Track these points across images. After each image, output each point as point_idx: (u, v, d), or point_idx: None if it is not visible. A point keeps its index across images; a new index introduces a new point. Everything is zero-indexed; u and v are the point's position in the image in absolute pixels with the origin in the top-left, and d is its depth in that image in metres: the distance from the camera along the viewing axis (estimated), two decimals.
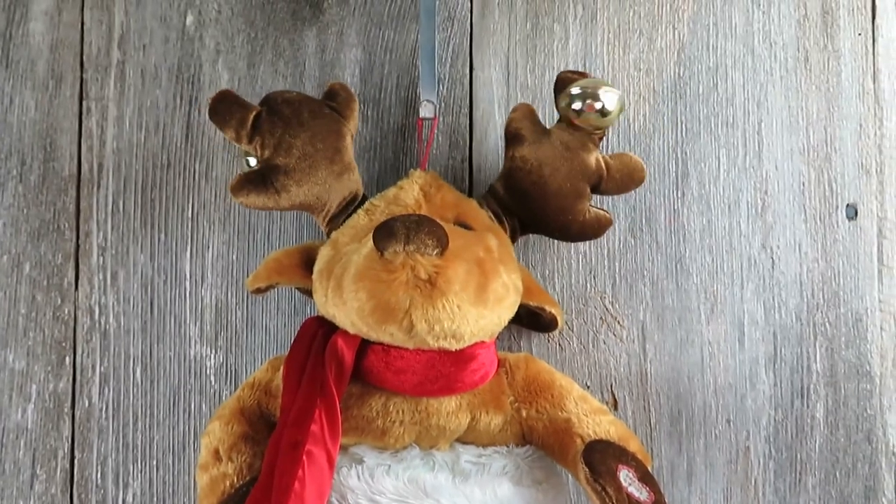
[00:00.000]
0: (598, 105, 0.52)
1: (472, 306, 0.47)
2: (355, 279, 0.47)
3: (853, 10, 0.64)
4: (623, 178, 0.54)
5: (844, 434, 0.62)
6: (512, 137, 0.54)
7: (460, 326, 0.47)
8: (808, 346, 0.62)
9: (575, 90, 0.52)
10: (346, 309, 0.48)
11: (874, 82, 0.64)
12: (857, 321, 0.63)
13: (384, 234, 0.45)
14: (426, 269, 0.46)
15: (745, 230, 0.63)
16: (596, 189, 0.54)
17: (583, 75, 0.54)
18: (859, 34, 0.64)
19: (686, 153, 0.63)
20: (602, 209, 0.55)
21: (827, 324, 0.63)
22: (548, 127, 0.54)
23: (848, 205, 0.63)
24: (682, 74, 0.63)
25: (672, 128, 0.63)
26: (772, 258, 0.63)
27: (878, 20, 0.64)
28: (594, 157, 0.53)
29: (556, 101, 0.54)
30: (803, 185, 0.63)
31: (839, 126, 0.63)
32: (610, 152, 0.55)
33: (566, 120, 0.53)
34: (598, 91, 0.52)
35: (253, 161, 0.55)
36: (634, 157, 0.54)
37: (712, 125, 0.63)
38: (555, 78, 0.54)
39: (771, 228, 0.63)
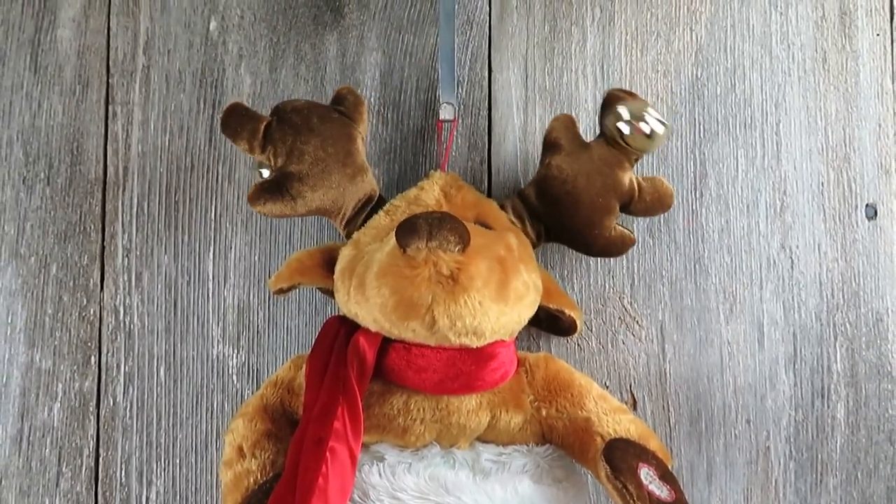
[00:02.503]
0: (646, 129, 0.52)
1: (494, 303, 0.48)
2: (378, 276, 0.48)
3: (871, 10, 0.64)
4: (653, 202, 0.55)
5: (866, 434, 0.62)
6: (550, 146, 0.54)
7: (481, 323, 0.47)
8: (828, 347, 0.62)
9: (624, 112, 0.52)
10: (369, 306, 0.49)
11: (893, 82, 0.64)
12: (877, 321, 0.62)
13: (407, 230, 0.46)
14: (448, 266, 0.46)
15: (764, 230, 0.63)
16: (625, 208, 0.54)
17: (632, 95, 0.54)
18: (877, 35, 0.64)
19: (704, 154, 0.63)
20: (626, 228, 0.55)
21: (847, 324, 0.62)
22: (587, 140, 0.54)
23: (867, 204, 0.63)
24: (699, 76, 0.64)
25: (690, 129, 0.63)
26: (791, 258, 0.63)
27: None
28: (628, 177, 0.54)
29: (601, 118, 0.54)
30: (822, 185, 0.63)
31: (858, 126, 0.63)
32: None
33: (612, 137, 0.53)
34: (645, 114, 0.52)
35: (266, 173, 0.56)
36: (666, 184, 0.55)
37: (730, 126, 0.63)
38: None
39: (790, 228, 0.63)
